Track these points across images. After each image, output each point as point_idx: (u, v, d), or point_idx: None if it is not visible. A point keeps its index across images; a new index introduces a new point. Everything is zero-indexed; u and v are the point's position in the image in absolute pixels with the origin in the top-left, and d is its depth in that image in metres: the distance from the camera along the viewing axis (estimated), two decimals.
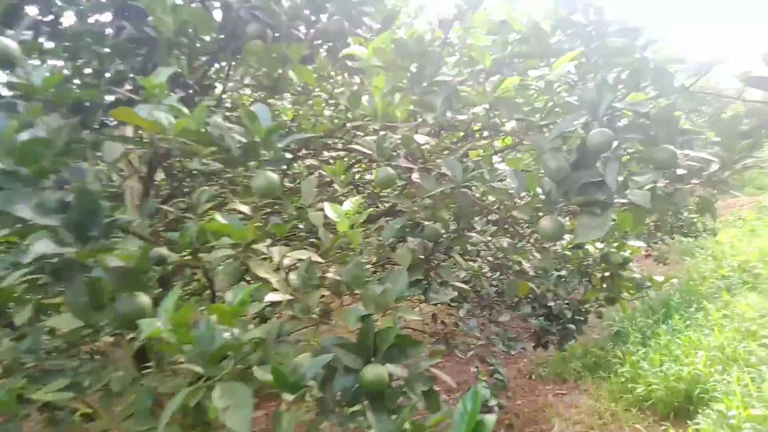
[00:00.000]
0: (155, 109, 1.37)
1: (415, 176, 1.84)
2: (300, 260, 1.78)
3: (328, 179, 2.55)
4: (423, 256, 2.12)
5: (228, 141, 1.32)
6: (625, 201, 1.63)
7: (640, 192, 1.41)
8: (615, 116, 1.55)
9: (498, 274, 4.41)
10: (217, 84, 2.35)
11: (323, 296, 1.92)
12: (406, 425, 1.45)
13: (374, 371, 1.42)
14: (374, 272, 2.84)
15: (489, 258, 3.18)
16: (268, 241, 1.87)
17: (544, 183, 1.57)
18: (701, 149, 1.60)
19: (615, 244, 2.66)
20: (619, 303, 2.81)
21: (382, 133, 1.75)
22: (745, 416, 3.11)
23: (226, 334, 1.34)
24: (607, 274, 2.74)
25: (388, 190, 3.15)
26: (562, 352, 5.07)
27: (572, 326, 4.60)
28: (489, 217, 3.26)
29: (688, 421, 3.70)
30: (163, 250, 1.73)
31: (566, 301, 4.67)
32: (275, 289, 1.68)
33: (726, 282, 6.51)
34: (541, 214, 1.96)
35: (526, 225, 2.62)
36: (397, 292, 1.62)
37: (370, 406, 1.49)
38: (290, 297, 1.65)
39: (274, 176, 1.37)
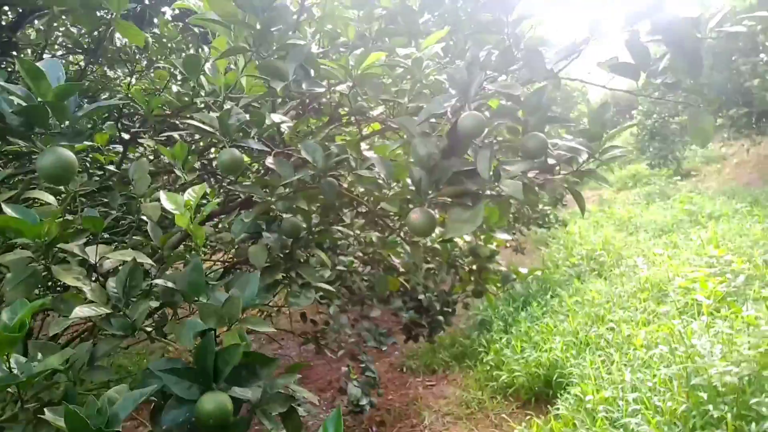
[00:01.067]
0: None
1: (269, 161, 1.59)
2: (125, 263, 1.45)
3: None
4: (282, 254, 1.87)
5: (1, 104, 0.97)
6: (492, 193, 1.53)
7: (511, 182, 1.29)
8: (485, 100, 1.44)
9: (369, 268, 4.30)
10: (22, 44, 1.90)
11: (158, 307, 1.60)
12: None
13: (214, 401, 1.15)
14: (231, 271, 2.52)
15: (359, 253, 3.01)
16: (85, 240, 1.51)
17: (414, 171, 1.40)
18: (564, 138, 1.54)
19: (482, 237, 2.62)
20: (486, 296, 2.79)
21: (227, 106, 1.46)
22: (598, 399, 3.28)
23: (4, 367, 1.00)
24: (474, 267, 2.70)
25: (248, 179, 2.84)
26: (432, 344, 5.10)
27: (441, 318, 4.63)
28: (359, 210, 3.09)
29: (549, 407, 3.86)
30: None
31: (435, 294, 4.70)
32: (89, 301, 1.34)
33: (576, 270, 7.05)
34: (411, 206, 1.82)
35: (396, 218, 2.48)
36: (246, 300, 1.36)
37: None
38: (109, 311, 1.32)
39: (68, 154, 1.04)
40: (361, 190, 2.58)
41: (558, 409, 3.57)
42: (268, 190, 1.68)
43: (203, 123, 1.43)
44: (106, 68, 2.75)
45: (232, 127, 1.43)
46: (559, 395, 3.84)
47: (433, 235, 2.90)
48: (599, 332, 4.41)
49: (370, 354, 4.28)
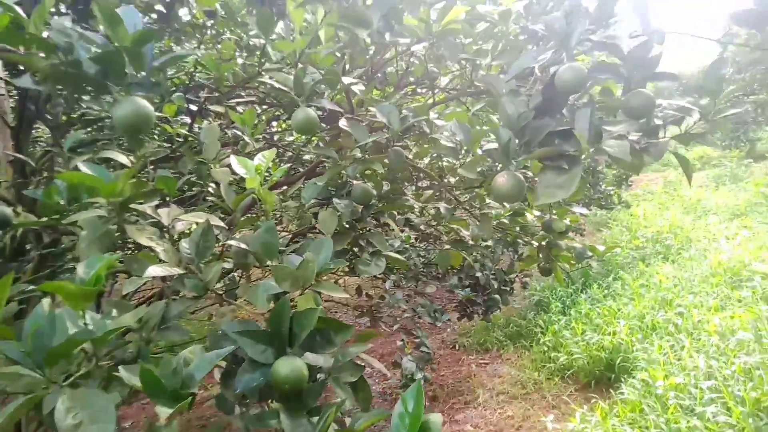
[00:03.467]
0: None
1: (343, 123, 1.51)
2: (197, 224, 1.41)
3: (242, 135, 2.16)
4: (351, 222, 1.81)
5: (78, 51, 0.92)
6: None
7: (617, 143, 1.16)
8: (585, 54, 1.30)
9: (425, 244, 4.21)
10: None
11: (228, 270, 1.57)
12: (331, 430, 1.15)
13: (290, 365, 1.10)
14: (293, 242, 2.49)
15: (421, 227, 2.92)
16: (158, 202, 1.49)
17: (501, 132, 1.29)
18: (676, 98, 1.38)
19: (555, 212, 2.47)
20: (555, 274, 2.64)
21: (301, 65, 1.39)
22: (668, 385, 3.10)
23: (80, 323, 0.97)
24: (543, 243, 2.55)
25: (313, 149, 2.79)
26: (486, 322, 5.00)
27: (497, 297, 4.52)
28: (419, 183, 2.99)
29: (611, 390, 3.70)
30: (6, 210, 1.30)
31: (493, 272, 4.58)
32: (161, 261, 1.31)
33: (640, 252, 6.73)
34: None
35: (465, 189, 2.37)
36: (320, 264, 1.30)
37: (285, 408, 1.17)
38: (181, 271, 1.28)
39: (146, 105, 0.99)
40: (427, 161, 2.48)
41: (622, 393, 3.40)
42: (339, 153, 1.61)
43: (278, 82, 1.36)
44: (173, 44, 2.74)
45: (307, 87, 1.35)
46: (623, 379, 3.67)
47: (501, 211, 2.78)
48: (667, 317, 4.18)
49: (423, 330, 4.23)
